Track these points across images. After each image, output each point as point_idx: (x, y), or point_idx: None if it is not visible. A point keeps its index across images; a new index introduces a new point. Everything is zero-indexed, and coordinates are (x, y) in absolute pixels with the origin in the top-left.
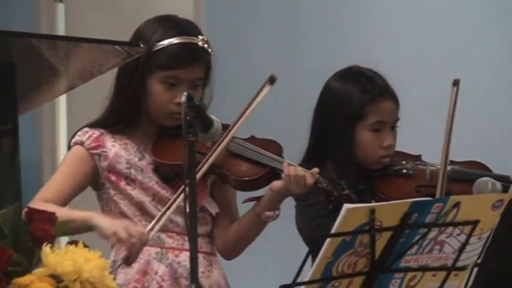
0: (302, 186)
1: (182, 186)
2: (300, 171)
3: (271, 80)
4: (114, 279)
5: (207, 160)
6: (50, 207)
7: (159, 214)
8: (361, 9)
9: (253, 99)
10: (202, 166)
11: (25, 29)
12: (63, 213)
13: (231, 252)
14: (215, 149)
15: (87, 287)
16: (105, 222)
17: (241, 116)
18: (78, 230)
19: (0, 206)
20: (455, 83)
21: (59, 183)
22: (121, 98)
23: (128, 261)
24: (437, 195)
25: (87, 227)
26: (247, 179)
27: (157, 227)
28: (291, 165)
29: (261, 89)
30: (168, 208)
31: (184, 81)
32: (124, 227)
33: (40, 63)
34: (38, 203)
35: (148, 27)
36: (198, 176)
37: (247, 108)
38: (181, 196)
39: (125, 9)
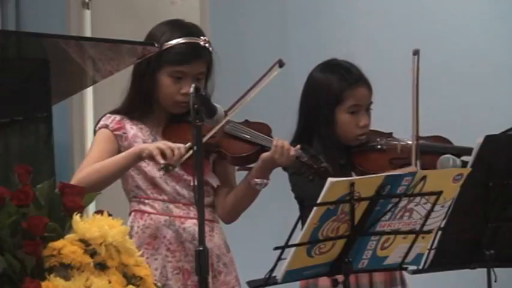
0: (286, 157)
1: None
2: (286, 144)
3: (280, 64)
4: (132, 242)
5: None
6: (96, 165)
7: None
8: (343, 10)
9: (262, 77)
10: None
11: (57, 32)
12: (109, 160)
13: (229, 217)
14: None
15: (111, 250)
16: (147, 144)
17: (250, 90)
18: (128, 166)
19: (37, 181)
20: (415, 52)
21: (94, 160)
22: (136, 90)
23: (167, 168)
24: (413, 164)
25: (134, 158)
26: (240, 155)
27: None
28: (279, 140)
29: (270, 70)
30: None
31: (189, 75)
32: (163, 142)
33: (70, 61)
34: (82, 170)
35: (158, 30)
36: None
37: (256, 84)
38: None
39: (143, 15)
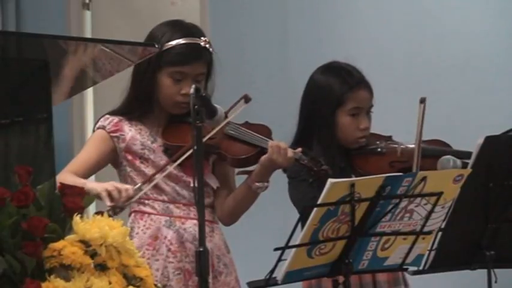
0: (283, 157)
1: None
2: (282, 144)
3: (246, 99)
4: (133, 243)
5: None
6: (62, 176)
7: (148, 176)
8: (344, 11)
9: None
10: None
11: (57, 33)
12: (70, 180)
13: (229, 219)
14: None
15: (111, 251)
16: (95, 185)
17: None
18: None
19: (37, 182)
20: (422, 100)
21: (83, 159)
22: (136, 91)
23: (114, 211)
24: (414, 170)
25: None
26: (240, 157)
27: (144, 187)
28: (275, 141)
29: (234, 105)
30: (154, 175)
31: (189, 75)
32: (111, 184)
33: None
34: (63, 173)
35: (159, 30)
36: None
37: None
38: (167, 163)
39: (143, 16)
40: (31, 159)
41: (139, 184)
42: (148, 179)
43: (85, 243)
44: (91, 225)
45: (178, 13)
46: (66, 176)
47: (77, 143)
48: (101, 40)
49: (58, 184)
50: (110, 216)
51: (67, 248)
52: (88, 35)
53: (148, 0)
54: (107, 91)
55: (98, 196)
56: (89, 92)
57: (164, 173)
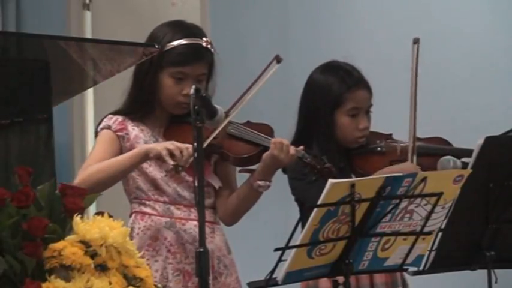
0: (285, 154)
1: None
2: (285, 141)
3: (278, 60)
4: (133, 244)
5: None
6: (100, 164)
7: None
8: (343, 11)
9: (261, 75)
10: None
11: (57, 33)
12: (114, 159)
13: (231, 219)
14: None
15: (111, 251)
16: (154, 144)
17: (250, 87)
18: (134, 166)
19: (37, 183)
20: (415, 41)
21: (97, 157)
22: (138, 91)
23: (176, 170)
24: (409, 160)
25: (141, 157)
26: (243, 156)
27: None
28: (278, 138)
29: (268, 67)
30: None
31: (190, 76)
32: (171, 142)
33: (70, 62)
34: (85, 169)
35: (160, 31)
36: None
37: (255, 82)
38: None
39: (143, 16)
40: (31, 160)
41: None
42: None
43: (85, 243)
44: (91, 225)
45: (179, 13)
46: (97, 165)
47: (77, 143)
48: (101, 41)
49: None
50: (174, 172)
51: (67, 248)
52: (88, 35)
53: (148, 1)
54: (107, 91)
55: (158, 155)
56: (89, 93)
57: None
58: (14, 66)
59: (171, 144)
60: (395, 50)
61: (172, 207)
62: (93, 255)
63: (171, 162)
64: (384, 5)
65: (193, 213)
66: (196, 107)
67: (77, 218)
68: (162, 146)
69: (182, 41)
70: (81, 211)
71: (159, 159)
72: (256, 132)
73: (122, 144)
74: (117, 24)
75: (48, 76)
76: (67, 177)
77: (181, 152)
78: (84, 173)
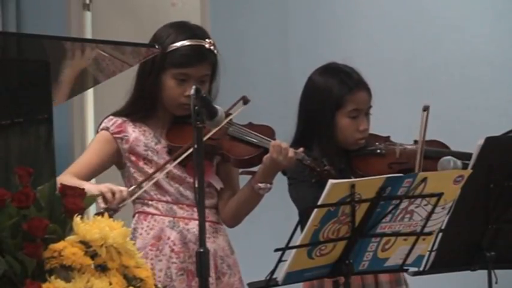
0: (284, 156)
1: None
2: (284, 144)
3: (245, 101)
4: (134, 244)
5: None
6: (64, 178)
7: (142, 179)
8: (343, 12)
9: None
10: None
11: (57, 34)
12: (70, 182)
13: (232, 221)
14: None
15: (111, 252)
16: (92, 186)
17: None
18: None
19: (37, 183)
20: (425, 108)
21: (85, 160)
22: (140, 92)
23: (108, 212)
24: (416, 171)
25: None
26: (244, 158)
27: (143, 185)
28: (277, 140)
29: (232, 107)
30: (153, 173)
31: (193, 77)
32: (105, 185)
33: (70, 63)
34: (64, 175)
35: (163, 32)
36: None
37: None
38: (167, 162)
39: (144, 17)
40: (31, 160)
41: (133, 186)
42: (148, 177)
43: (85, 244)
44: (91, 226)
45: (179, 14)
46: (66, 178)
47: (77, 143)
48: (101, 41)
49: (58, 185)
50: (108, 215)
51: (67, 248)
52: (88, 35)
53: (148, 1)
54: (108, 92)
55: (95, 198)
56: (90, 93)
57: (163, 172)
58: (14, 67)
59: (105, 187)
60: (395, 51)
61: (175, 207)
62: (93, 256)
63: (102, 205)
64: (385, 5)
65: (196, 213)
66: (196, 108)
67: (77, 219)
68: (96, 189)
69: (185, 42)
70: (81, 211)
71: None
72: (257, 134)
73: (119, 146)
74: (117, 25)
75: (49, 76)
76: None
77: (113, 194)
78: (62, 178)
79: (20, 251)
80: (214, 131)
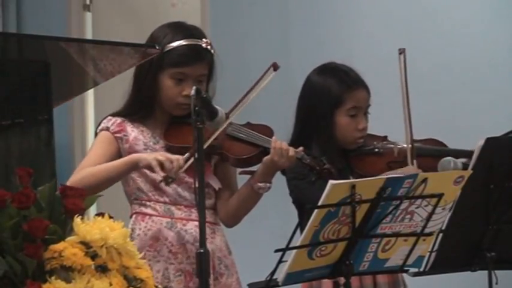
0: (285, 158)
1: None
2: (284, 145)
3: (275, 67)
4: (133, 245)
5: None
6: (90, 169)
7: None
8: (344, 12)
9: (258, 81)
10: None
11: (58, 34)
12: (106, 165)
13: (232, 220)
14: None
15: (112, 252)
16: (145, 154)
17: (247, 94)
18: (124, 173)
19: (37, 183)
20: (401, 51)
21: (93, 159)
22: (138, 92)
23: (166, 181)
24: (409, 164)
25: (131, 166)
26: (243, 157)
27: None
28: (277, 141)
29: (264, 74)
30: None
31: (190, 77)
32: (161, 153)
33: (70, 63)
34: (79, 171)
35: (160, 32)
36: (207, 143)
37: (251, 90)
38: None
39: (144, 18)
40: (32, 161)
41: (187, 154)
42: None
43: (86, 244)
44: (92, 226)
45: (179, 14)
46: (90, 169)
47: (77, 144)
48: (101, 41)
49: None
50: (163, 183)
51: (68, 249)
52: (89, 36)
53: (148, 2)
54: (108, 92)
55: (148, 166)
56: (90, 93)
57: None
58: (14, 67)
59: (161, 155)
60: (395, 51)
61: (172, 208)
62: (93, 256)
63: (161, 173)
64: (385, 5)
65: (194, 214)
66: (196, 108)
67: (77, 219)
68: (152, 157)
69: (182, 42)
70: (82, 212)
71: (148, 169)
72: (256, 133)
73: (120, 146)
74: (117, 25)
75: (49, 77)
76: (67, 178)
77: (171, 163)
78: (77, 176)
79: (21, 251)
80: (217, 133)
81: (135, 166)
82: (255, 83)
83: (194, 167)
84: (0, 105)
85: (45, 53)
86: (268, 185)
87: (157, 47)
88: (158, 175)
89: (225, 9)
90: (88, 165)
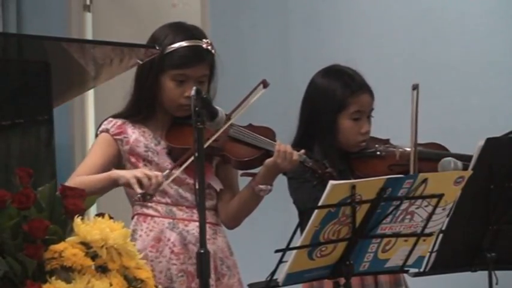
0: (288, 161)
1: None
2: (288, 148)
3: (265, 84)
4: (134, 245)
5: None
6: (83, 178)
7: (172, 165)
8: (344, 13)
9: (246, 98)
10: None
11: (58, 35)
12: (92, 178)
13: (232, 222)
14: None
15: (112, 253)
16: (124, 172)
17: (234, 110)
18: (105, 189)
19: (38, 184)
20: (415, 87)
21: (90, 163)
22: (139, 94)
23: (144, 198)
24: (411, 172)
25: (111, 183)
26: (245, 159)
27: (172, 174)
28: (282, 144)
29: (253, 91)
30: (182, 163)
31: (191, 78)
32: (140, 170)
33: (71, 64)
34: (73, 178)
35: (161, 33)
36: (207, 144)
37: (239, 106)
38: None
39: (144, 18)
40: (32, 161)
41: (167, 171)
42: (179, 164)
43: (86, 245)
44: (92, 227)
45: (179, 15)
46: (79, 179)
47: (78, 144)
48: (101, 42)
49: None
50: (141, 200)
51: (68, 249)
52: (89, 36)
53: (149, 2)
54: (108, 93)
55: (127, 183)
56: (90, 94)
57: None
58: (14, 68)
59: (140, 173)
60: (396, 52)
61: (174, 209)
62: (93, 257)
63: (139, 190)
64: (385, 7)
65: (196, 214)
66: (197, 109)
67: (77, 220)
68: (131, 174)
69: (183, 43)
70: (82, 212)
71: (128, 187)
72: (258, 135)
73: (120, 148)
74: (117, 26)
75: (49, 77)
76: (67, 178)
77: (149, 180)
78: (71, 183)
79: (21, 252)
80: (218, 133)
81: (114, 183)
82: (243, 99)
83: (195, 167)
84: (0, 105)
85: (45, 53)
86: (269, 187)
87: (157, 48)
88: (136, 192)
89: (224, 10)
90: (84, 170)
